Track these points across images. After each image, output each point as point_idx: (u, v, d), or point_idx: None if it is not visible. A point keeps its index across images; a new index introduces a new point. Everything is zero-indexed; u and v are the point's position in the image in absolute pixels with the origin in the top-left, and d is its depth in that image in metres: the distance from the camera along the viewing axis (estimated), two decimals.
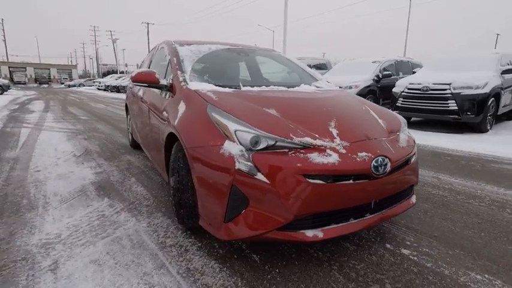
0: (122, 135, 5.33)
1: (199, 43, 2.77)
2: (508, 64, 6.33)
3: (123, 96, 18.66)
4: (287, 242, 1.54)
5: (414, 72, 7.55)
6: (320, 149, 1.50)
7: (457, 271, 1.57)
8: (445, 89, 5.56)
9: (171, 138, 2.05)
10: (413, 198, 1.90)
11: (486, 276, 1.53)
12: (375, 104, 2.28)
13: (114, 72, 51.55)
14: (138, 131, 3.41)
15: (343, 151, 1.52)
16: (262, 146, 1.47)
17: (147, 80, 2.34)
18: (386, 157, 1.59)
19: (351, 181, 1.48)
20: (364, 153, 1.54)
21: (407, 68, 9.12)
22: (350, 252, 1.74)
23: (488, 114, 5.57)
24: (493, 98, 5.53)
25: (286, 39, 16.21)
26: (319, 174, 1.43)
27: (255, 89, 2.14)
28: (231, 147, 1.47)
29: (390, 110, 2.22)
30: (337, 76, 7.82)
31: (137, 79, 2.35)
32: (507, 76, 6.02)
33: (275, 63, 2.99)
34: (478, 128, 5.63)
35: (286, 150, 1.48)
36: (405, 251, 1.75)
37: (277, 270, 1.57)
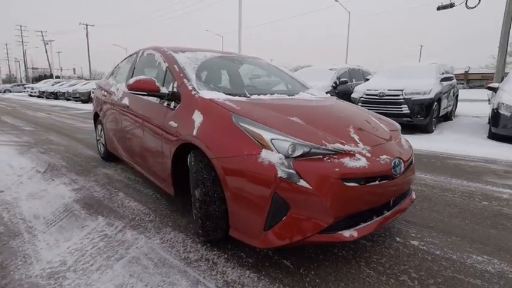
0: (84, 147, 4.87)
1: (192, 50, 2.71)
2: (443, 73, 7.32)
3: (63, 103, 17.00)
4: (326, 244, 1.61)
5: (367, 79, 8.28)
6: (350, 154, 1.60)
7: (462, 255, 1.80)
8: (399, 95, 6.22)
9: (183, 149, 1.98)
10: (413, 195, 2.12)
11: (485, 257, 1.79)
12: (370, 111, 2.48)
13: (47, 76, 46.53)
14: (120, 142, 3.18)
15: (368, 155, 1.65)
16: (298, 153, 1.52)
17: (146, 88, 2.23)
18: (400, 158, 1.76)
19: (377, 182, 1.62)
20: (385, 156, 1.69)
21: (359, 75, 9.94)
22: (369, 248, 1.87)
23: (433, 117, 6.38)
24: (436, 102, 6.34)
25: (242, 45, 16.43)
26: (354, 178, 1.53)
27: (265, 97, 2.18)
28: (269, 156, 1.50)
29: (384, 116, 2.44)
30: None
31: (135, 87, 2.23)
32: (444, 83, 6.95)
33: (266, 71, 3.06)
34: (426, 129, 6.40)
35: (321, 156, 1.55)
36: (414, 242, 1.95)
37: (312, 273, 1.63)
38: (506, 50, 11.88)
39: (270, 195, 1.47)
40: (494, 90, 6.13)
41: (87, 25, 43.63)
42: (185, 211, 2.41)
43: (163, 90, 2.25)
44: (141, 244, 1.90)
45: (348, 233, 1.56)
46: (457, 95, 8.73)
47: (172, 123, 2.06)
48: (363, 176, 1.55)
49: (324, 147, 1.57)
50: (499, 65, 11.82)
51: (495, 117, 5.33)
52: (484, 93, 21.70)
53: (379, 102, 6.47)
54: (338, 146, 1.61)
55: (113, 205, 2.52)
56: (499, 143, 5.24)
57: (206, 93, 2.03)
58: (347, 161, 1.56)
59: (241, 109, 1.79)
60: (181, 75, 2.22)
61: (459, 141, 5.49)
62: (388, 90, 6.38)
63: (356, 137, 1.75)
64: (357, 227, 1.60)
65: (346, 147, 1.62)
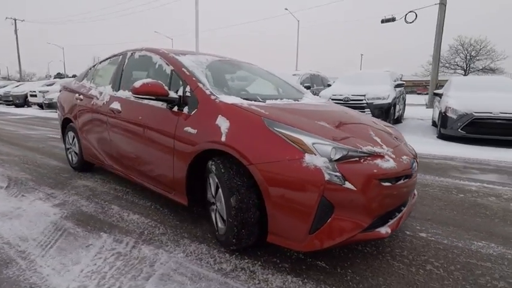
0: (44, 156, 4.33)
1: (191, 53, 2.61)
2: (395, 80, 8.12)
3: None
4: (365, 242, 1.67)
5: (329, 85, 8.79)
6: (380, 156, 1.70)
7: (465, 243, 2.02)
8: (362, 100, 6.72)
9: (201, 156, 1.91)
10: (416, 192, 2.32)
11: (483, 242, 2.04)
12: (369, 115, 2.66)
13: None
14: (105, 150, 2.90)
15: (393, 156, 1.77)
16: (338, 156, 1.58)
17: (154, 92, 2.10)
18: (415, 159, 1.93)
19: (402, 181, 1.75)
20: (405, 157, 1.83)
21: (319, 80, 10.49)
22: (387, 243, 2.00)
23: (391, 119, 7.02)
24: (392, 107, 6.99)
25: (199, 46, 16.15)
26: (387, 178, 1.63)
27: (279, 102, 2.20)
28: (314, 160, 1.52)
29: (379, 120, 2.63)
30: None
31: (142, 91, 2.08)
32: (397, 89, 7.71)
33: (263, 76, 3.06)
34: None
35: (357, 158, 1.62)
36: (422, 234, 2.13)
37: (349, 271, 1.68)
38: (439, 60, 13.62)
39: (318, 198, 1.49)
40: (439, 95, 6.99)
41: (15, 20, 38.72)
42: (194, 220, 2.30)
43: (172, 94, 2.13)
44: (165, 259, 1.77)
45: (384, 230, 1.65)
46: (405, 100, 9.72)
47: (189, 130, 1.96)
48: (393, 176, 1.66)
49: (360, 149, 1.65)
50: (433, 73, 13.49)
51: (443, 120, 6.07)
52: (417, 98, 24.59)
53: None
54: (370, 148, 1.70)
55: (111, 220, 2.29)
56: (447, 142, 5.98)
57: (225, 98, 1.98)
58: (380, 162, 1.65)
59: (270, 114, 1.78)
60: (194, 79, 2.13)
61: (416, 141, 6.10)
62: (352, 95, 6.86)
63: (378, 140, 1.87)
64: (388, 224, 1.71)
65: (377, 150, 1.72)
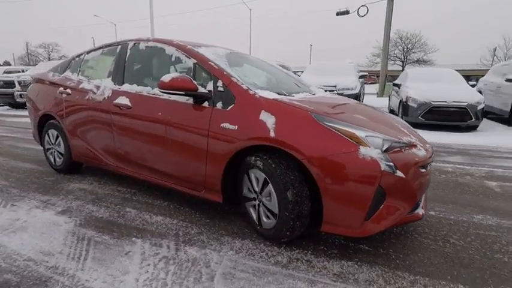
0: (6, 158, 3.80)
1: (204, 45, 2.51)
2: (359, 72, 8.68)
3: None
4: (407, 223, 1.83)
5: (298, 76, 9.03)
6: (414, 145, 1.88)
7: (468, 217, 2.34)
8: (333, 90, 7.07)
9: (241, 152, 1.90)
10: None
11: (481, 215, 2.38)
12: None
13: None
14: (108, 149, 2.67)
15: (421, 145, 1.96)
16: (385, 147, 1.71)
17: (185, 87, 2.00)
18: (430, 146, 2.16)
19: (429, 167, 1.95)
20: (427, 145, 2.04)
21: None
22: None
23: None
24: (358, 97, 7.49)
25: (154, 33, 15.21)
26: (423, 165, 1.82)
27: (303, 96, 2.25)
28: (369, 152, 1.62)
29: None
30: None
31: (172, 86, 1.98)
32: (360, 80, 8.26)
33: (268, 69, 3.05)
34: None
35: (399, 148, 1.77)
36: (432, 213, 2.41)
37: (391, 251, 1.85)
38: (388, 52, 14.82)
39: (375, 187, 1.61)
40: (398, 86, 7.67)
41: None
42: (222, 217, 2.28)
43: (201, 89, 2.05)
44: (217, 258, 1.75)
45: (420, 212, 1.85)
46: (364, 90, 10.45)
47: (227, 125, 1.92)
48: (425, 163, 1.86)
49: (401, 140, 1.80)
50: (383, 64, 14.65)
51: (405, 108, 6.71)
52: (366, 88, 26.75)
53: None
54: (407, 138, 1.86)
55: (135, 224, 2.16)
56: None
57: (263, 93, 1.97)
58: (416, 151, 1.83)
59: (315, 109, 1.84)
60: (225, 73, 2.07)
61: None
62: (324, 86, 7.17)
63: (406, 130, 2.05)
64: (420, 205, 1.91)
65: (411, 139, 1.89)
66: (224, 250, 1.84)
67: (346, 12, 14.81)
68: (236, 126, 1.90)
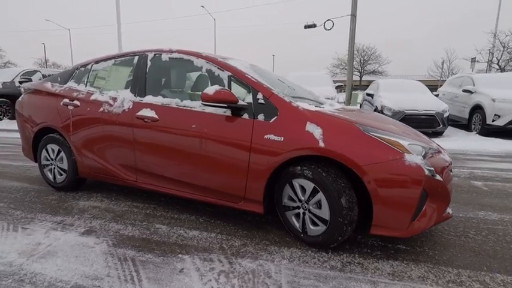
0: None
1: (230, 58, 2.54)
2: (334, 82, 9.16)
3: None
4: (442, 222, 2.00)
5: None
6: (439, 151, 2.09)
7: (473, 213, 2.62)
8: None
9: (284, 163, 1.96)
10: None
11: (483, 212, 2.67)
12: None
13: None
14: (125, 163, 2.54)
15: (442, 150, 2.18)
16: (423, 153, 1.88)
17: (226, 99, 2.03)
18: None
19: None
20: (444, 150, 2.28)
21: None
22: None
23: None
24: None
25: (121, 42, 14.61)
26: (450, 168, 2.03)
27: (332, 107, 2.38)
28: (413, 158, 1.78)
29: None
30: None
31: (216, 99, 2.01)
32: (336, 90, 8.73)
33: (281, 80, 3.14)
34: None
35: (431, 154, 1.96)
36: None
37: (426, 248, 2.01)
38: (352, 64, 15.80)
39: (420, 191, 1.76)
40: (371, 95, 8.25)
41: None
42: (258, 227, 2.30)
43: (240, 101, 2.08)
44: (275, 268, 1.77)
45: (450, 211, 2.05)
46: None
47: (272, 137, 1.97)
48: (451, 167, 2.08)
49: (432, 146, 2.00)
50: (349, 75, 15.56)
51: None
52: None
53: None
54: (434, 145, 2.07)
55: (174, 240, 2.09)
56: None
57: (303, 105, 2.06)
58: (442, 156, 2.04)
59: (356, 120, 1.97)
60: (265, 86, 2.12)
61: None
62: None
63: (426, 138, 2.27)
64: (448, 206, 2.12)
65: (436, 146, 2.10)
66: (277, 260, 1.87)
67: (314, 26, 15.60)
68: (282, 138, 1.96)
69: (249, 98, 2.12)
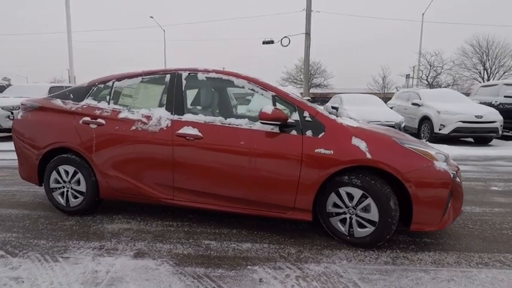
0: None
1: (256, 77, 2.72)
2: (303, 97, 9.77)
3: None
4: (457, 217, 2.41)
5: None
6: (447, 157, 2.53)
7: (480, 209, 3.13)
8: None
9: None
10: None
11: (488, 207, 3.22)
12: None
13: None
14: (161, 182, 2.51)
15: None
16: (445, 160, 2.29)
17: (280, 117, 2.23)
18: None
19: None
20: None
21: None
22: None
23: None
24: None
25: (72, 59, 13.52)
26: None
27: (355, 121, 2.71)
28: (441, 165, 2.16)
29: None
30: None
31: (273, 117, 2.20)
32: None
33: None
34: None
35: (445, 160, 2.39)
36: None
37: (454, 242, 2.40)
38: (308, 78, 16.94)
39: (448, 191, 2.15)
40: (336, 108, 9.01)
41: None
42: (301, 235, 2.47)
43: (289, 119, 2.28)
44: (341, 269, 1.97)
45: (462, 208, 2.49)
46: None
47: (323, 151, 2.20)
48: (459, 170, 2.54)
49: (447, 154, 2.42)
50: (305, 89, 16.63)
51: None
52: None
53: None
54: (445, 152, 2.50)
55: (231, 254, 2.15)
56: None
57: (344, 121, 2.34)
58: (452, 161, 2.48)
59: (389, 133, 2.31)
60: (309, 105, 2.35)
61: None
62: None
63: (431, 145, 2.72)
64: None
65: (446, 153, 2.55)
66: (337, 261, 2.07)
67: (272, 42, 16.43)
68: (331, 151, 2.20)
69: (295, 116, 2.33)
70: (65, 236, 2.40)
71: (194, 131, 2.43)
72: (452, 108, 7.47)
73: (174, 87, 2.60)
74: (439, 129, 7.47)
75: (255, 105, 4.16)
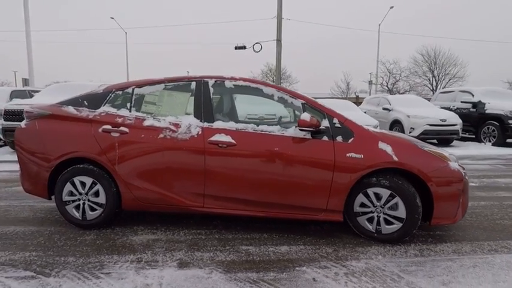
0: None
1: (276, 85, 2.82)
2: None
3: None
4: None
5: None
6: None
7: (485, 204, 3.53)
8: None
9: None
10: None
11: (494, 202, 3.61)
12: None
13: None
14: (190, 190, 2.48)
15: None
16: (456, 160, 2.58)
17: (315, 124, 2.34)
18: None
19: None
20: None
21: None
22: None
23: None
24: None
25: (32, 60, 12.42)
26: None
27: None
28: (454, 164, 2.44)
29: None
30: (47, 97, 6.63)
31: (310, 124, 2.33)
32: None
33: None
34: None
35: None
36: None
37: (470, 236, 2.70)
38: (280, 83, 17.36)
39: (462, 188, 2.42)
40: None
41: None
42: (328, 234, 2.60)
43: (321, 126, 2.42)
44: (381, 264, 2.12)
45: None
46: None
47: (354, 155, 2.36)
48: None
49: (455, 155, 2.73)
50: None
51: None
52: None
53: None
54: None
55: (272, 257, 2.21)
56: None
57: (369, 127, 2.53)
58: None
59: (407, 138, 2.54)
60: (338, 112, 2.50)
61: None
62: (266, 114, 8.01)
63: None
64: None
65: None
66: (373, 257, 2.23)
67: (244, 47, 16.60)
68: (362, 155, 2.37)
69: (325, 123, 2.46)
70: (92, 251, 2.27)
71: (227, 138, 2.45)
72: (420, 112, 8.22)
73: (201, 95, 2.60)
74: (409, 132, 8.15)
75: (269, 111, 4.28)
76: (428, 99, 10.87)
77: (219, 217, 2.87)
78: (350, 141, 2.42)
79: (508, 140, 8.08)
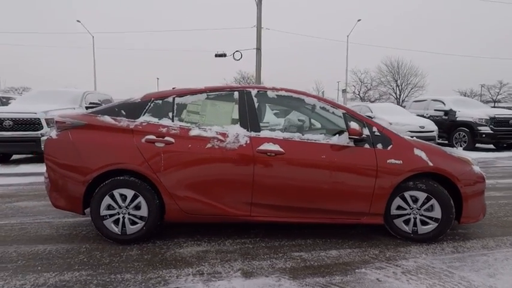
0: (31, 242, 2.42)
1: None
2: None
3: None
4: None
5: None
6: None
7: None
8: None
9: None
10: None
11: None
12: None
13: None
14: (240, 199, 2.49)
15: None
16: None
17: (361, 133, 2.48)
18: None
19: None
20: None
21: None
22: None
23: None
24: None
25: None
26: None
27: None
28: (477, 167, 2.71)
29: None
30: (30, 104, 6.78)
31: (359, 133, 2.46)
32: None
33: None
34: None
35: None
36: None
37: (480, 230, 2.97)
38: None
39: (484, 189, 2.69)
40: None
41: None
42: (366, 237, 2.73)
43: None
44: (428, 262, 2.29)
45: None
46: None
47: (394, 161, 2.53)
48: None
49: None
50: None
51: None
52: None
53: None
54: None
55: (327, 261, 2.29)
56: None
57: (403, 135, 2.73)
58: None
59: (436, 145, 2.78)
60: (376, 122, 2.67)
61: None
62: None
63: None
64: None
65: None
66: (418, 256, 2.39)
67: (224, 55, 16.66)
68: (401, 161, 2.55)
69: (366, 131, 2.62)
70: (145, 266, 2.18)
71: (275, 147, 2.51)
72: (401, 120, 8.82)
73: (246, 104, 2.64)
74: None
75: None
76: (404, 107, 11.69)
77: (256, 225, 2.89)
78: (389, 148, 2.59)
79: (478, 145, 8.95)
